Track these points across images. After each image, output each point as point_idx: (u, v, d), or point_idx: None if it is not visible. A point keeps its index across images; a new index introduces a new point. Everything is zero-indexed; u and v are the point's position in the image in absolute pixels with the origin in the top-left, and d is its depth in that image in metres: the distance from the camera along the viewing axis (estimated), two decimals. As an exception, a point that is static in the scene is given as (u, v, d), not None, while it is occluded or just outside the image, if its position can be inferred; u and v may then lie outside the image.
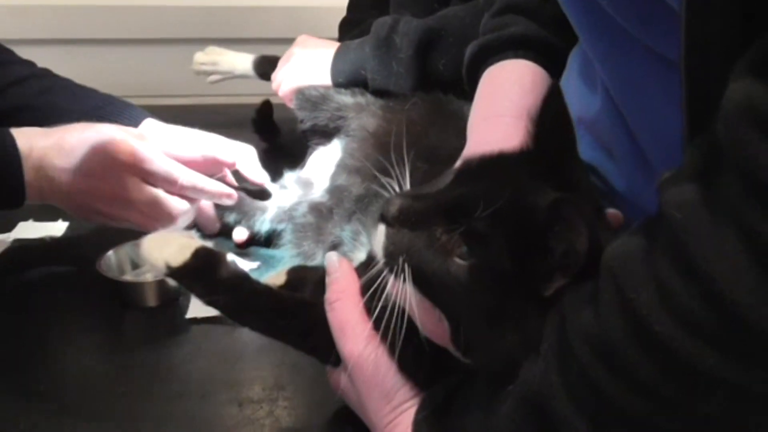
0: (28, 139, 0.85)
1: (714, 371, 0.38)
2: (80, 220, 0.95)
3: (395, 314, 0.53)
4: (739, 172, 0.37)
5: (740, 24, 0.41)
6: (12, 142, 0.84)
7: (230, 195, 0.96)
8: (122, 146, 0.87)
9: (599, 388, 0.43)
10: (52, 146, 0.85)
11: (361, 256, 0.67)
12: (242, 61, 1.42)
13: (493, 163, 0.56)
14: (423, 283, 0.51)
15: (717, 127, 0.38)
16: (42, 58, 1.13)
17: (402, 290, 0.51)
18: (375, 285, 0.53)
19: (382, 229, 0.53)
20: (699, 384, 0.39)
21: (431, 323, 0.53)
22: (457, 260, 0.50)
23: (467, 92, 0.83)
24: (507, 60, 0.76)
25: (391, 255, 0.52)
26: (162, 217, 0.90)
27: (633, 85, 0.57)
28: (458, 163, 0.67)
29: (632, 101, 0.58)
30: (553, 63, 0.76)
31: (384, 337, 0.56)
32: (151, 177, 0.89)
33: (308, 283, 0.73)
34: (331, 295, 0.60)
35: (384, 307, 0.53)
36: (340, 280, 0.61)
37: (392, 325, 0.53)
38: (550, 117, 0.54)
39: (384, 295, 0.53)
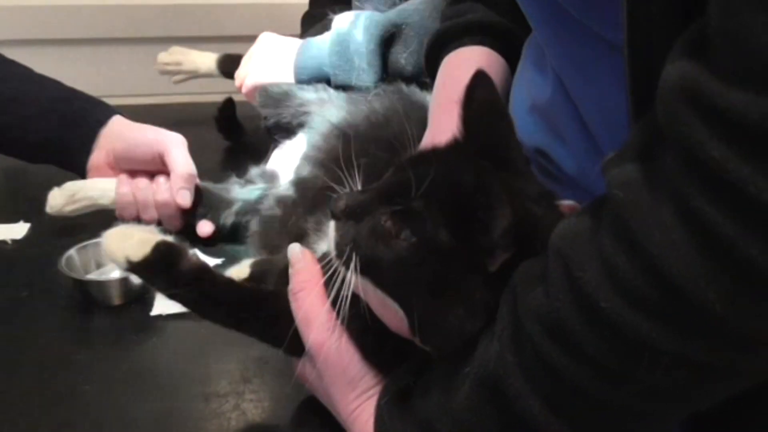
0: None
1: (656, 343, 0.40)
2: (43, 222, 0.94)
3: (347, 301, 0.54)
4: (676, 150, 0.38)
5: (680, 8, 0.42)
6: None
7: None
8: None
9: (552, 365, 0.44)
10: None
11: (324, 246, 0.67)
12: (206, 60, 1.41)
13: (429, 151, 0.57)
14: (371, 269, 0.52)
15: (656, 108, 0.39)
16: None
17: (353, 280, 0.53)
18: (328, 275, 0.55)
19: (332, 225, 0.55)
20: (644, 356, 0.40)
21: (387, 313, 0.55)
22: (401, 242, 0.52)
23: (429, 83, 0.84)
24: (465, 47, 0.77)
25: (340, 247, 0.54)
26: None
27: (581, 70, 0.58)
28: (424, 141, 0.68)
29: (581, 86, 0.59)
30: (511, 49, 0.76)
31: (346, 326, 0.57)
32: None
33: (271, 275, 0.73)
34: (294, 285, 0.61)
35: (344, 297, 0.54)
36: (303, 271, 0.61)
37: (348, 312, 0.55)
38: (477, 104, 0.55)
39: (342, 286, 0.54)
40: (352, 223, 0.54)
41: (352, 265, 0.53)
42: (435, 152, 0.57)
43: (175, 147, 0.99)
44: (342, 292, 0.54)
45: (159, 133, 1.01)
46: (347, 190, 0.60)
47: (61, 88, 1.06)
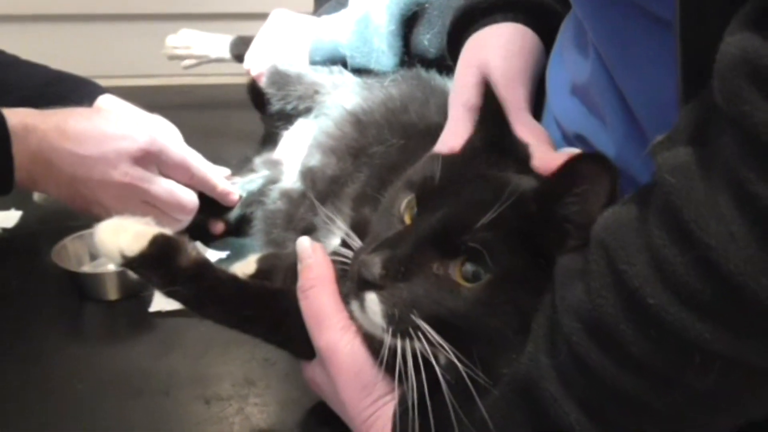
0: (22, 119, 0.79)
1: (710, 345, 0.37)
2: (36, 210, 0.91)
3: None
4: (735, 130, 0.35)
5: None
6: (1, 122, 0.78)
7: (231, 194, 0.94)
8: (140, 132, 0.83)
9: (590, 367, 0.42)
10: (53, 129, 0.80)
11: (335, 241, 0.63)
12: (218, 44, 1.37)
13: (453, 175, 0.53)
14: (444, 326, 0.48)
15: (712, 85, 0.37)
16: (-1, 36, 1.08)
17: (427, 348, 0.48)
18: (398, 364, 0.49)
19: (372, 297, 0.49)
20: (694, 359, 0.38)
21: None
22: (469, 285, 0.48)
23: (452, 68, 0.79)
24: (495, 24, 0.72)
25: (400, 318, 0.48)
26: (173, 210, 0.87)
27: (625, 47, 0.55)
28: (438, 145, 0.65)
29: (624, 63, 0.56)
30: (546, 26, 0.72)
31: None
32: (165, 166, 0.86)
33: (280, 271, 0.70)
34: (304, 282, 0.57)
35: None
36: (313, 267, 0.58)
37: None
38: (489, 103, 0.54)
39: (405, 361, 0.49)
40: (400, 285, 0.48)
41: (420, 333, 0.47)
42: (462, 172, 0.53)
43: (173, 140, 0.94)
44: (408, 367, 0.49)
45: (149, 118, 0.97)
46: (336, 234, 0.56)
47: (49, 71, 1.05)
